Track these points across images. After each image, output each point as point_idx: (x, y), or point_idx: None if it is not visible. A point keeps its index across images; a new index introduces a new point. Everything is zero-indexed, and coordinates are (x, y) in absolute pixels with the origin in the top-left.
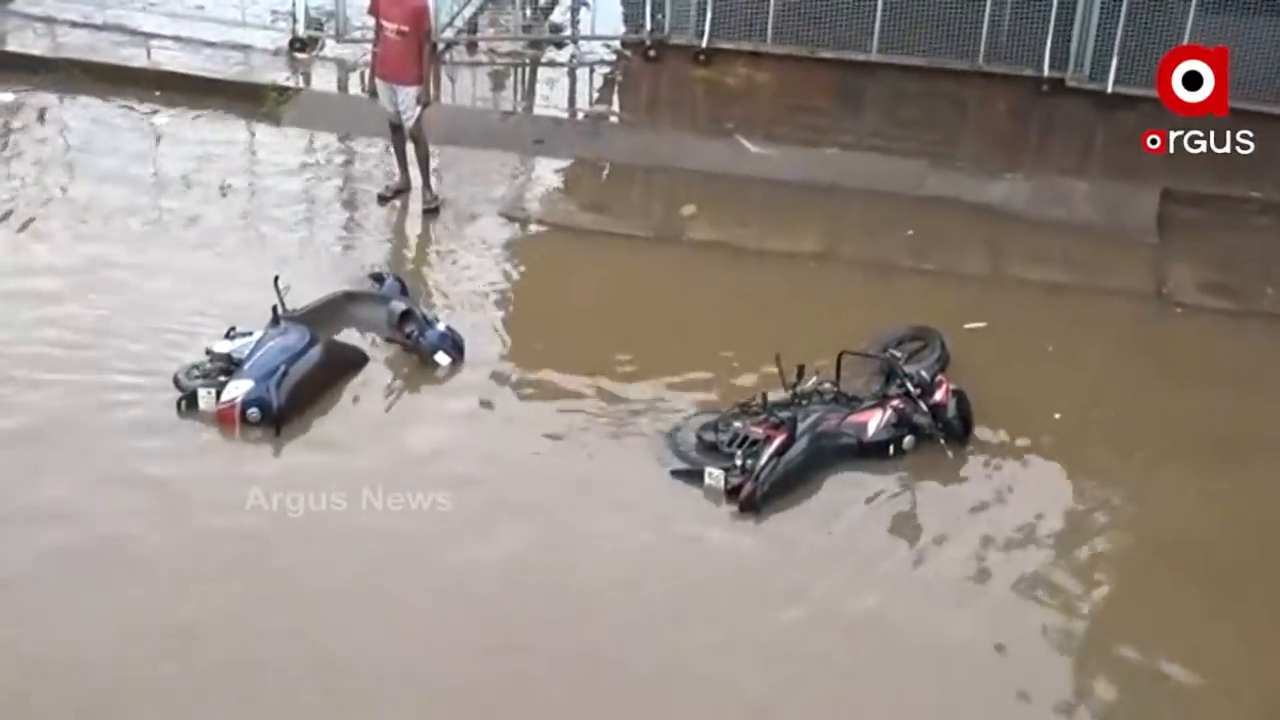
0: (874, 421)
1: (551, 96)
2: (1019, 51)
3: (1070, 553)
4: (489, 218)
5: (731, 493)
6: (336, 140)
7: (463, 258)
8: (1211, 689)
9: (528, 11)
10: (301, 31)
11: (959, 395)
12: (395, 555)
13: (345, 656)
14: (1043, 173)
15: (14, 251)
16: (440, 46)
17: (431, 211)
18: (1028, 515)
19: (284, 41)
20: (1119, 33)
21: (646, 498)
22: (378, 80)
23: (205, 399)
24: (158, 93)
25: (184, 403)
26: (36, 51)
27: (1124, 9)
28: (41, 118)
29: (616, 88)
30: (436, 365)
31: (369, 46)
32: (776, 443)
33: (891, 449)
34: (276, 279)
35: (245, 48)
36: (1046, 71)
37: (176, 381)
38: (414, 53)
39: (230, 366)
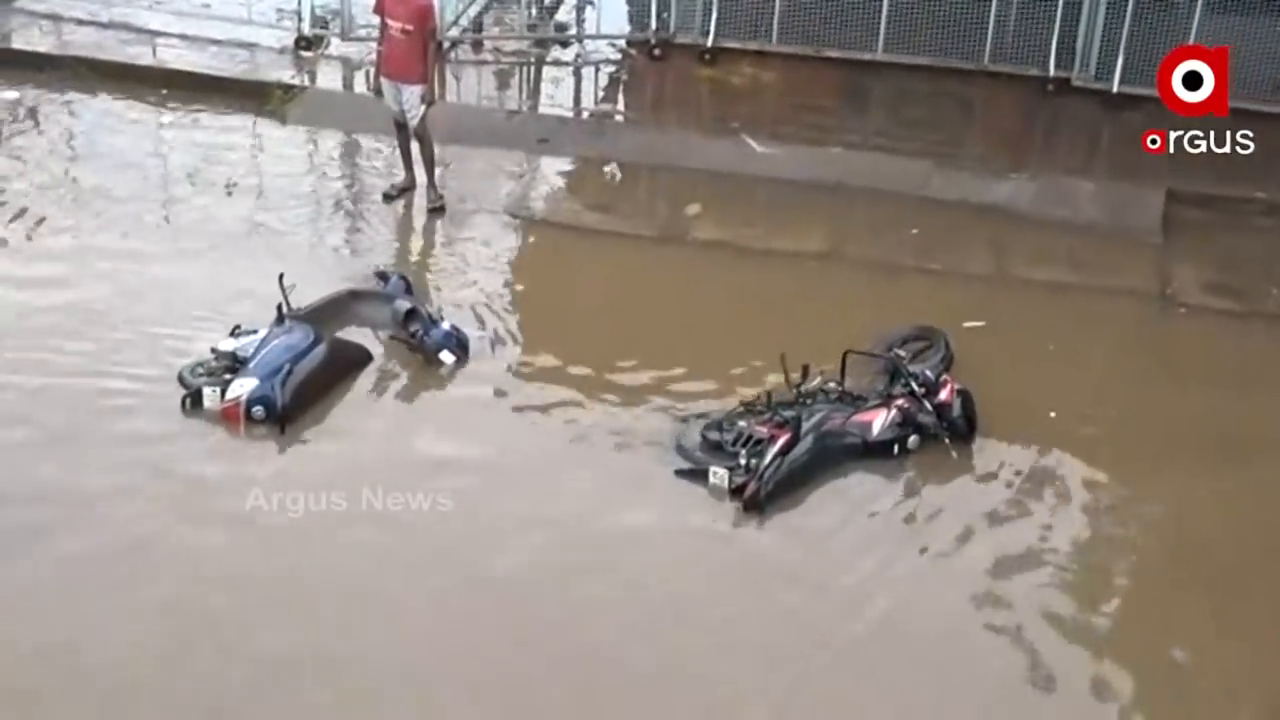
0: (879, 421)
1: (556, 95)
2: (1024, 51)
3: (1074, 553)
4: (494, 217)
5: (736, 492)
6: (342, 139)
7: (467, 256)
8: (1213, 689)
9: (533, 10)
10: (307, 30)
11: (964, 395)
12: (395, 555)
13: (345, 656)
14: (1048, 173)
15: (18, 249)
16: (445, 45)
17: (436, 210)
18: (1031, 515)
19: (289, 40)
20: (1124, 32)
21: (650, 497)
22: (382, 79)
23: (210, 397)
24: (164, 91)
25: (189, 401)
26: (42, 49)
27: (1129, 8)
28: (47, 116)
29: (621, 87)
30: (441, 364)
31: (374, 45)
32: (781, 442)
33: (896, 448)
34: (281, 277)
35: (251, 46)
36: (1052, 71)
37: (181, 379)
38: (419, 51)
39: (235, 364)
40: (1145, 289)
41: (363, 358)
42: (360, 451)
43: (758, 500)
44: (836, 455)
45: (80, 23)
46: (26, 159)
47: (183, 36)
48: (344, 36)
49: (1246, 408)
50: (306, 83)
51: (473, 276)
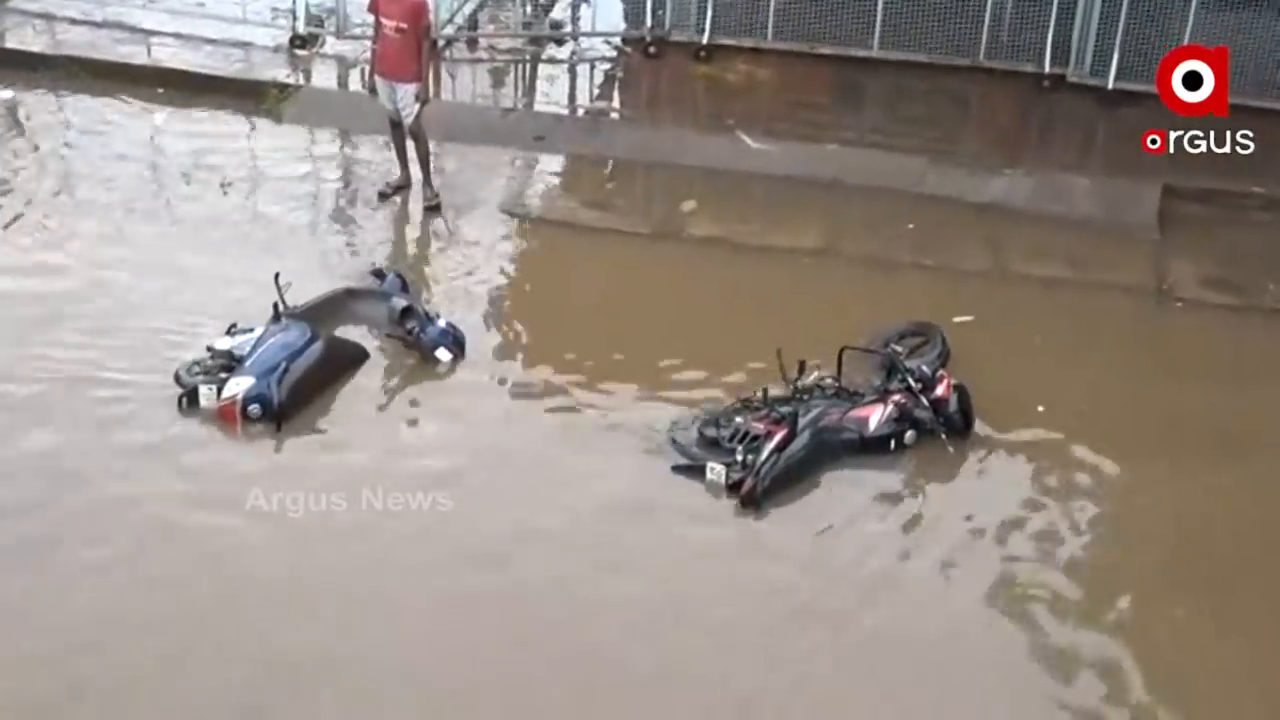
0: (875, 416)
1: (552, 93)
2: (1020, 47)
3: (1071, 549)
4: (489, 214)
5: (733, 488)
6: (337, 137)
7: (463, 254)
8: (1212, 687)
9: (528, 8)
10: (302, 28)
11: (960, 390)
12: (395, 555)
13: (345, 656)
14: (1044, 169)
15: (12, 249)
16: (440, 43)
17: (432, 208)
18: (1029, 511)
19: (284, 38)
20: (1120, 28)
21: (648, 494)
22: (377, 77)
23: (206, 396)
24: (159, 90)
25: (185, 399)
26: (36, 49)
27: (1125, 5)
28: (41, 115)
29: (617, 84)
30: (437, 362)
31: (369, 43)
32: (778, 438)
33: (893, 444)
34: (277, 275)
35: (246, 45)
36: (1048, 68)
37: (177, 378)
38: (413, 50)
39: (231, 363)
40: (1142, 284)
41: (359, 356)
42: (358, 450)
43: (754, 496)
44: (833, 451)
45: (74, 22)
46: (20, 159)
47: (177, 35)
48: (339, 35)
49: (1244, 403)
50: (301, 81)
51: (468, 274)
